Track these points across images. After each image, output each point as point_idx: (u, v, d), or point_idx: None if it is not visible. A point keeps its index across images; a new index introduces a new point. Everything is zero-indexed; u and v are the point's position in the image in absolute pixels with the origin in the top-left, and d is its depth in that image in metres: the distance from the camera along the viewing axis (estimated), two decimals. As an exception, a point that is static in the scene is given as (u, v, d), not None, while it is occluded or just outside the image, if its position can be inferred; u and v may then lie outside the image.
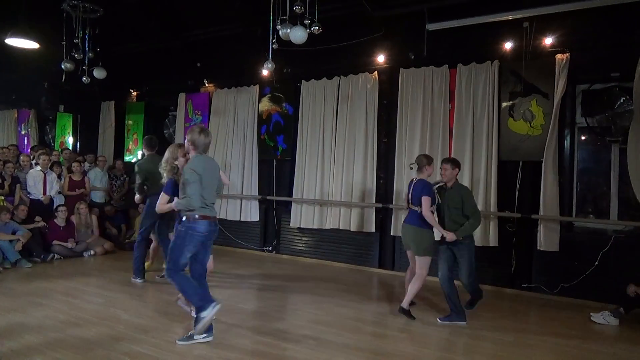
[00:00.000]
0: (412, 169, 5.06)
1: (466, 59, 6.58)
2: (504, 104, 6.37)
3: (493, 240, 6.30)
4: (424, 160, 4.95)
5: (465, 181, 6.36)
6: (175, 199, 4.16)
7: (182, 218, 4.12)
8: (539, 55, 6.15)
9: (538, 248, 6.06)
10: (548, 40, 6.06)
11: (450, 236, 4.73)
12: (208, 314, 3.95)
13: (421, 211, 4.74)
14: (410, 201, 4.93)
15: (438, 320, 4.81)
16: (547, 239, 6.01)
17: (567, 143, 6.20)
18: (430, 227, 4.82)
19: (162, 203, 4.43)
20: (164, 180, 4.55)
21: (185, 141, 4.16)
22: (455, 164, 4.94)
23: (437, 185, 4.98)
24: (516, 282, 6.28)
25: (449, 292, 4.80)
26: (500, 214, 6.29)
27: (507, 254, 6.32)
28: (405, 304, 4.89)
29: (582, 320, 5.11)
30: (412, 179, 5.04)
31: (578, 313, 5.35)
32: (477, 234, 6.35)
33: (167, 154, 4.63)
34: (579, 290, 5.83)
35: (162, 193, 4.46)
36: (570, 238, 6.05)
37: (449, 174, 4.86)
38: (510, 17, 6.12)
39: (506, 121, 6.35)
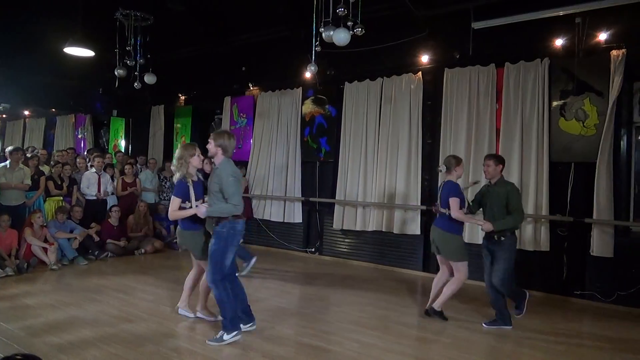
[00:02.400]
0: (440, 171, 4.92)
1: (514, 57, 6.38)
2: (555, 103, 6.14)
3: (544, 245, 6.08)
4: (453, 161, 4.76)
5: (514, 183, 6.16)
6: (203, 205, 4.07)
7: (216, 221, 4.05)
8: (592, 52, 5.88)
9: (590, 253, 5.80)
10: (602, 36, 5.78)
11: (487, 226, 4.56)
12: (229, 339, 3.98)
13: (449, 214, 4.60)
14: (439, 204, 4.77)
15: (483, 325, 4.70)
16: (600, 244, 5.73)
17: (623, 143, 5.89)
18: (459, 232, 4.75)
19: (174, 209, 4.18)
20: (175, 179, 4.29)
21: (212, 145, 4.05)
22: (499, 160, 4.73)
23: (472, 184, 5.13)
24: (568, 288, 6.02)
25: (494, 297, 4.68)
26: (552, 217, 6.06)
27: (559, 259, 6.08)
28: (438, 304, 4.83)
29: (640, 330, 4.86)
30: (442, 182, 4.89)
31: (636, 323, 5.08)
32: (528, 238, 6.17)
33: (181, 152, 4.27)
34: (637, 299, 5.52)
35: (174, 197, 4.19)
36: (627, 243, 5.74)
37: (492, 171, 4.65)
38: (561, 13, 5.88)
39: (557, 121, 6.11)
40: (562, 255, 6.07)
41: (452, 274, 4.80)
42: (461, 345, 4.25)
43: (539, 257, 6.14)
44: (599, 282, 5.83)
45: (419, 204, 7.12)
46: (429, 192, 7.14)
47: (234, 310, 4.05)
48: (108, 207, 8.04)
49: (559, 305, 5.79)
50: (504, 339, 4.44)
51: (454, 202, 4.59)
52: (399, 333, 4.50)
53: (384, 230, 7.43)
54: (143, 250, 7.97)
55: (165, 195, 9.26)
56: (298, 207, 8.50)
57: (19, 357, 1.83)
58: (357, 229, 7.72)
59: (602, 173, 5.71)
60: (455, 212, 4.59)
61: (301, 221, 8.48)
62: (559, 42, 6.06)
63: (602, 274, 5.80)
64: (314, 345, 4.09)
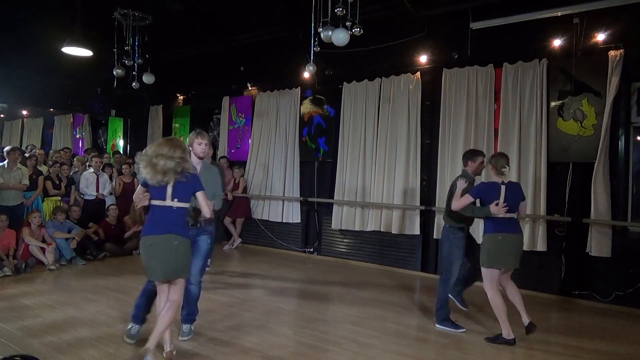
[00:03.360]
0: (504, 173, 4.34)
1: (512, 57, 6.39)
2: (553, 104, 6.15)
3: (541, 245, 6.09)
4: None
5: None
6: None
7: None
8: (590, 52, 5.89)
9: (588, 253, 5.81)
10: (600, 37, 5.80)
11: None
12: None
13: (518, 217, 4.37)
14: (509, 208, 4.24)
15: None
16: (598, 244, 5.74)
17: (621, 144, 5.91)
18: None
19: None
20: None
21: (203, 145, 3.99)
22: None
23: None
24: (567, 288, 6.04)
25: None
26: (549, 217, 6.07)
27: (557, 259, 6.09)
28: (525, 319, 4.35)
29: (639, 330, 4.86)
30: (502, 181, 4.31)
31: (634, 323, 5.09)
32: (525, 238, 6.14)
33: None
34: (635, 299, 5.54)
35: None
36: (625, 244, 5.76)
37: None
38: (559, 13, 5.90)
39: (555, 121, 6.12)
40: (560, 255, 6.08)
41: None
42: (459, 345, 4.26)
43: (537, 257, 6.15)
44: (597, 282, 5.84)
45: (418, 203, 7.12)
46: (428, 192, 7.14)
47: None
48: (106, 207, 8.02)
49: (557, 305, 5.80)
50: (502, 339, 4.44)
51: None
52: (398, 333, 4.50)
53: (382, 230, 7.43)
54: (139, 251, 7.95)
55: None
56: (296, 207, 8.50)
57: (17, 357, 1.83)
58: (356, 229, 7.72)
59: (599, 173, 5.72)
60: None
61: (299, 221, 8.48)
62: (557, 43, 6.07)
63: (601, 274, 5.81)
64: (312, 346, 4.09)
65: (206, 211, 3.60)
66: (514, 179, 6.19)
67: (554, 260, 6.11)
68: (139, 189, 3.60)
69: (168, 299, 3.54)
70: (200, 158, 4.06)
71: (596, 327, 4.95)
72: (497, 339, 4.31)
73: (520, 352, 4.14)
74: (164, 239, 3.43)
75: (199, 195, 3.53)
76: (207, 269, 6.11)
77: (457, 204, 4.37)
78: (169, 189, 3.43)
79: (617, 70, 5.65)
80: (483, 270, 4.33)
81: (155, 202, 3.48)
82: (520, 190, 4.43)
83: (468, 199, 4.33)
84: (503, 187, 4.26)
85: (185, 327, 4.15)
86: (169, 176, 3.39)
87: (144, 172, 3.44)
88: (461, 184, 4.46)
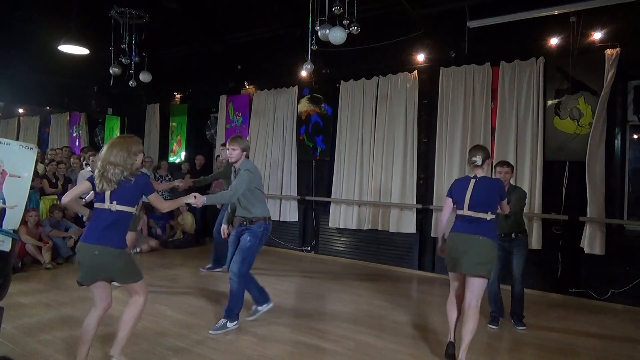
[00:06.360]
0: (474, 163, 3.77)
1: (509, 56, 6.40)
2: (550, 102, 6.16)
3: (536, 243, 6.10)
4: (487, 152, 3.82)
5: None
6: (201, 196, 3.77)
7: (250, 220, 4.34)
8: (587, 51, 5.91)
9: (582, 249, 5.82)
10: (597, 35, 5.81)
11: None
12: (231, 327, 4.32)
13: (492, 219, 3.68)
14: (468, 206, 3.68)
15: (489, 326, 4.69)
16: (592, 241, 5.76)
17: (617, 142, 5.93)
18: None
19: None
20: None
21: (236, 150, 4.31)
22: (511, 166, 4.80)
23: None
24: (563, 286, 6.06)
25: (496, 294, 4.72)
26: (546, 216, 6.09)
27: (553, 257, 6.11)
28: (463, 355, 3.62)
29: (634, 327, 4.88)
30: (470, 177, 3.78)
31: (630, 321, 5.11)
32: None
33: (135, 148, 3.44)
34: (631, 297, 5.56)
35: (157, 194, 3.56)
36: (621, 242, 5.78)
37: (509, 177, 4.68)
38: (556, 12, 5.91)
39: (552, 120, 6.14)
40: (557, 253, 6.09)
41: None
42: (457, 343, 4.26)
43: (534, 255, 6.14)
44: (593, 280, 5.86)
45: (415, 202, 7.13)
46: (425, 191, 7.15)
47: (242, 305, 4.39)
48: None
49: (554, 303, 5.81)
50: (500, 337, 4.46)
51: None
52: (395, 331, 4.51)
53: (379, 228, 7.44)
54: (138, 249, 7.95)
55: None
56: (294, 205, 8.50)
57: None
58: (353, 227, 7.72)
59: (593, 171, 5.74)
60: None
61: (297, 220, 8.48)
62: (553, 41, 6.08)
63: (596, 272, 5.83)
64: (309, 344, 4.09)
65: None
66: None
67: (550, 259, 6.12)
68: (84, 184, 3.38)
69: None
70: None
71: (592, 325, 4.96)
72: None
73: (518, 349, 4.16)
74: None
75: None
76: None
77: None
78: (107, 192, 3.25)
79: (614, 68, 5.66)
80: None
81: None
82: (498, 188, 3.79)
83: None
84: (472, 182, 3.73)
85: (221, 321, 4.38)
86: (112, 184, 3.23)
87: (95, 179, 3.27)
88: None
